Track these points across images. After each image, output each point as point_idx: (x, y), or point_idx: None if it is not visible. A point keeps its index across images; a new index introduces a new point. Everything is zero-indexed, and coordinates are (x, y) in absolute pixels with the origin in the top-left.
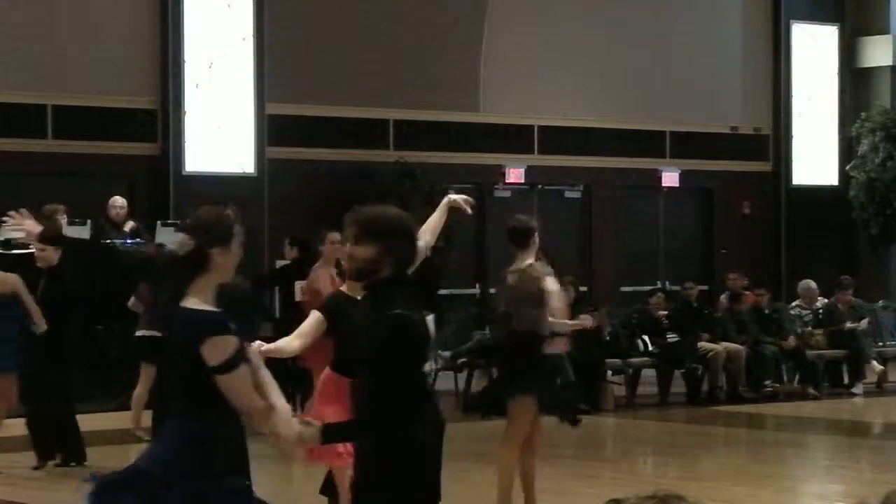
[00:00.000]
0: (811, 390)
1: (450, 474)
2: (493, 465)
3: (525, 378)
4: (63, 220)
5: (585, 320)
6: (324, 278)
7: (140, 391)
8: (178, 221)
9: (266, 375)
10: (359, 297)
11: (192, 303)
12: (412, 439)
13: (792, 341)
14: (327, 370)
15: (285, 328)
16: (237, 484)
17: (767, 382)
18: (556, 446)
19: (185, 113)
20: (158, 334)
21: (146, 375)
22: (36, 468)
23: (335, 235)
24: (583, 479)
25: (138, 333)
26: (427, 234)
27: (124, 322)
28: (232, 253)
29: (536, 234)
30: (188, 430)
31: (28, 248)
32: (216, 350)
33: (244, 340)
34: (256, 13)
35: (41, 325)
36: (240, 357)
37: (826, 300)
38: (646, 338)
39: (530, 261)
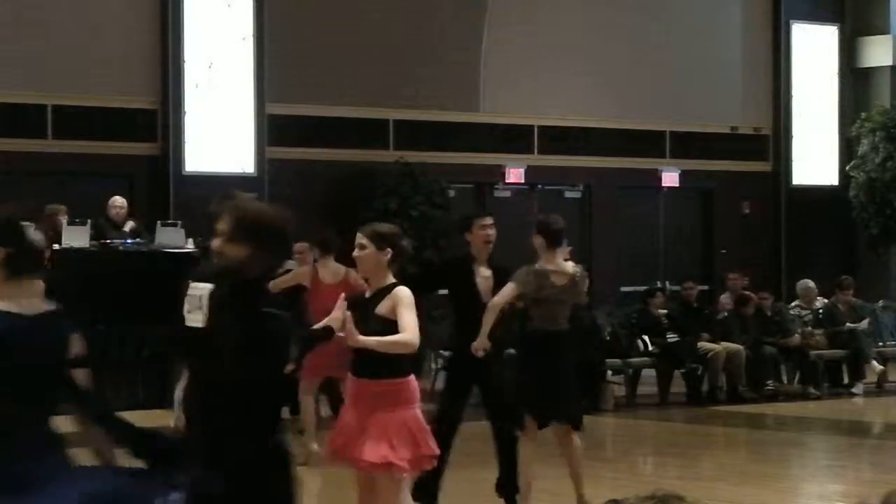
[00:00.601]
0: (812, 390)
1: (452, 475)
2: (494, 465)
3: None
4: (63, 220)
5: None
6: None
7: None
8: (179, 221)
9: None
10: (367, 296)
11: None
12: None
13: (796, 339)
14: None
15: None
16: None
17: (769, 382)
18: (556, 446)
19: (185, 113)
20: None
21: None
22: None
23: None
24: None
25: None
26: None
27: (126, 323)
28: None
29: None
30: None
31: None
32: (75, 344)
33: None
34: (256, 13)
35: None
36: None
37: (826, 300)
38: (646, 338)
39: (574, 266)
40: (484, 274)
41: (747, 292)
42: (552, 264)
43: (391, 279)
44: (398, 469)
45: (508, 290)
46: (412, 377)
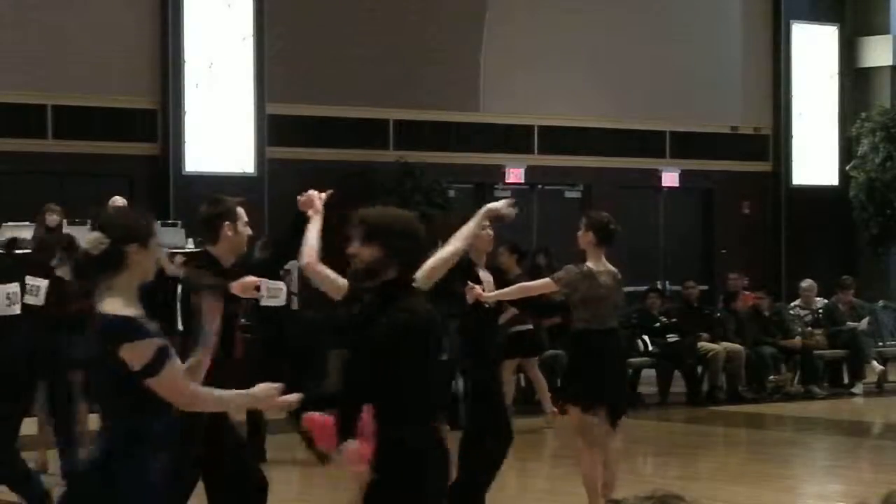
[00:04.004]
0: (817, 390)
1: None
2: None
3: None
4: (55, 218)
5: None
6: None
7: None
8: (179, 221)
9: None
10: None
11: (109, 305)
12: (403, 441)
13: (798, 340)
14: None
15: None
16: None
17: (771, 378)
18: (557, 446)
19: (185, 113)
20: None
21: None
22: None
23: None
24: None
25: None
26: (458, 240)
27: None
28: (150, 252)
29: None
30: (123, 431)
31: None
32: (135, 355)
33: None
34: (256, 13)
35: None
36: (161, 358)
37: (826, 300)
38: (646, 338)
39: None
40: (485, 277)
41: (745, 291)
42: (599, 264)
43: None
44: None
45: (544, 284)
46: None
